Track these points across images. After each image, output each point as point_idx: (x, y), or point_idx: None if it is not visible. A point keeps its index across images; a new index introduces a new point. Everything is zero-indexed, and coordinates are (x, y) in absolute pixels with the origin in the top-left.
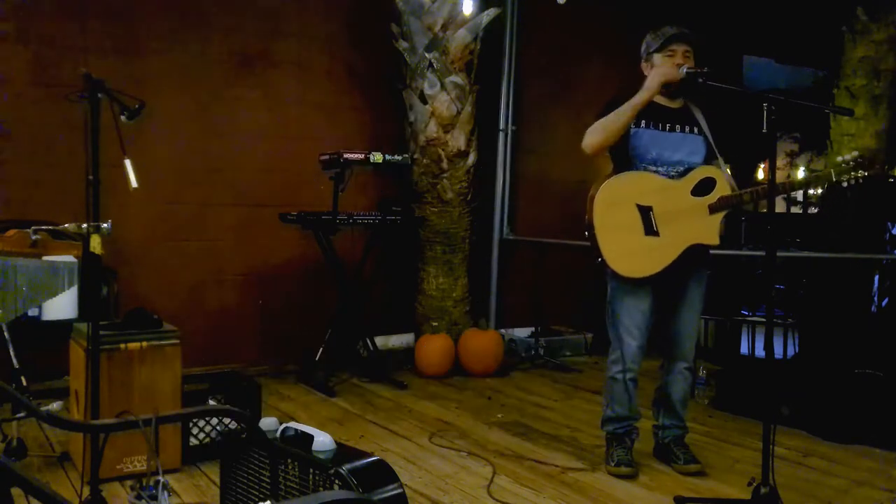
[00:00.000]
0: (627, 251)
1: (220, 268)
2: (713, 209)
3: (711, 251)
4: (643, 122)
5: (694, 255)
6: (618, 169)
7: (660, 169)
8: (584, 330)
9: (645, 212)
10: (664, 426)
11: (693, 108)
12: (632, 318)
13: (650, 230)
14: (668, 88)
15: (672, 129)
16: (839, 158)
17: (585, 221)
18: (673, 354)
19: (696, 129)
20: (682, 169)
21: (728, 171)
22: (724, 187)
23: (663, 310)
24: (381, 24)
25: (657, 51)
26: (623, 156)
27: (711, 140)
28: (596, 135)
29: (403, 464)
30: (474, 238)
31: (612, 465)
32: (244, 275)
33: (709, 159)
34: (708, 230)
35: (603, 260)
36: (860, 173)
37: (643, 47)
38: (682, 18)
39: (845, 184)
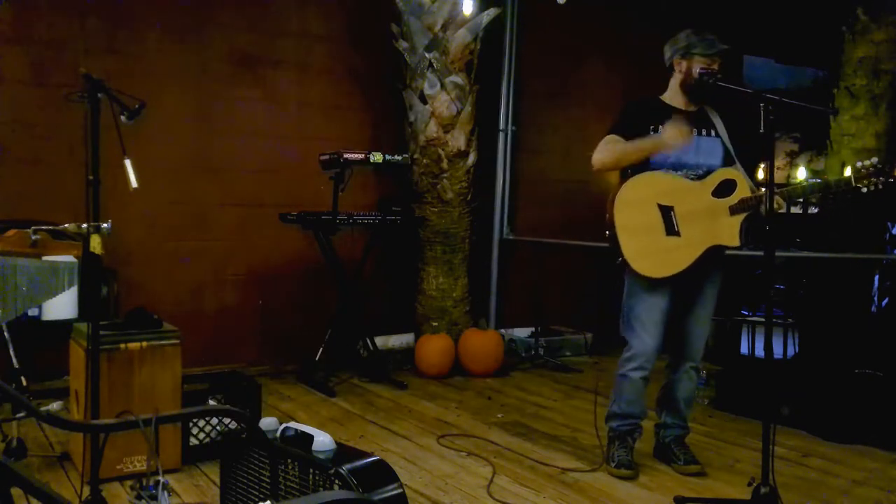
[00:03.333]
0: (648, 251)
1: (220, 268)
2: (734, 210)
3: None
4: (661, 127)
5: (712, 256)
6: (632, 173)
7: (679, 172)
8: (584, 330)
9: (666, 212)
10: (666, 425)
11: (710, 110)
12: (651, 316)
13: (671, 230)
14: (688, 94)
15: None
16: (858, 164)
17: (606, 221)
18: (682, 354)
19: (713, 132)
20: (701, 172)
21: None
22: (744, 189)
23: (677, 309)
24: (381, 24)
25: (702, 54)
26: (643, 162)
27: (729, 142)
28: (608, 158)
29: (403, 464)
30: (474, 238)
31: (613, 465)
32: (244, 275)
33: (727, 161)
34: (728, 231)
35: (623, 260)
36: (880, 179)
37: (682, 43)
38: (682, 18)
39: (864, 189)
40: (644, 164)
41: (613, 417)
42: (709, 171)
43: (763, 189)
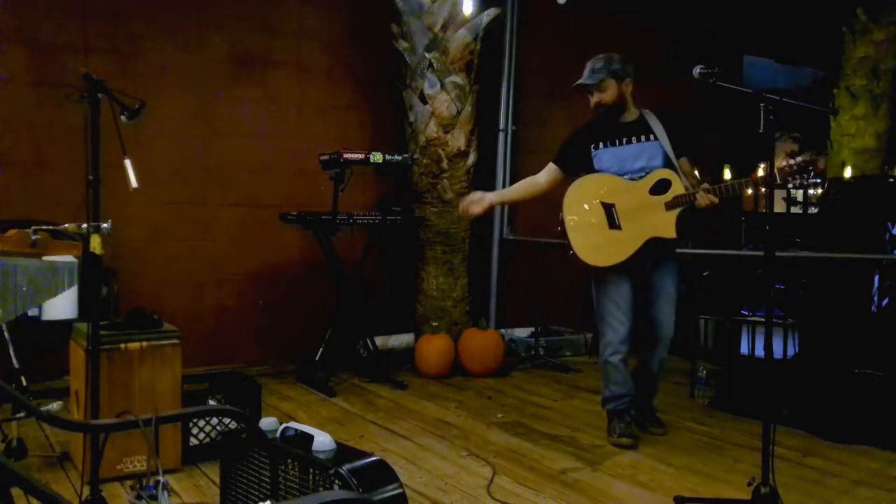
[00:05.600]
0: (594, 244)
1: (220, 268)
2: (669, 206)
3: (712, 252)
4: (601, 143)
5: (656, 247)
6: (582, 174)
7: (624, 177)
8: (584, 330)
9: (608, 208)
10: (638, 394)
11: (650, 117)
12: (617, 305)
13: (613, 224)
14: (607, 114)
15: (629, 142)
16: (784, 163)
17: (559, 219)
18: (653, 336)
19: (652, 137)
20: (643, 174)
21: (682, 171)
22: (678, 187)
23: (641, 301)
24: (381, 24)
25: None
26: (590, 166)
27: (668, 145)
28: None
29: (403, 464)
30: (474, 238)
31: (615, 436)
32: (244, 275)
33: (667, 162)
34: (665, 225)
35: (574, 253)
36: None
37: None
38: (682, 19)
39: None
40: (590, 170)
41: (608, 401)
42: (649, 172)
43: (703, 185)
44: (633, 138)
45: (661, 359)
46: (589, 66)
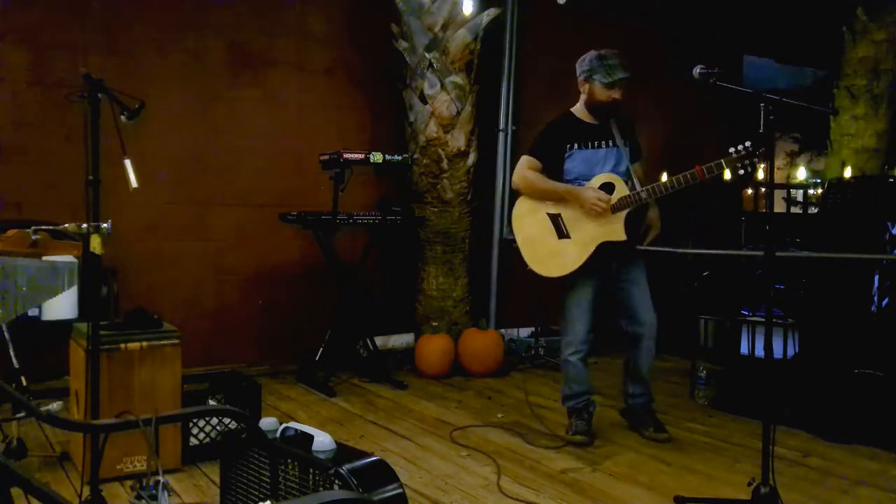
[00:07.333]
0: (546, 255)
1: (220, 268)
2: (615, 209)
3: (712, 252)
4: (576, 144)
5: (614, 251)
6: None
7: (586, 182)
8: None
9: (555, 218)
10: (633, 394)
11: (612, 123)
12: (579, 308)
13: (562, 234)
14: (597, 113)
15: (599, 146)
16: (731, 149)
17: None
18: (638, 333)
19: (616, 142)
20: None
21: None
22: (622, 190)
23: (617, 297)
24: (381, 24)
25: (600, 82)
26: (557, 174)
27: (628, 149)
28: (523, 186)
29: (403, 464)
30: (474, 238)
31: (571, 433)
32: (244, 275)
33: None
34: (613, 228)
35: (530, 268)
36: (750, 162)
37: (585, 66)
38: (682, 19)
39: (742, 171)
40: (558, 176)
41: (567, 398)
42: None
43: (646, 186)
44: (603, 143)
45: (648, 355)
46: (619, 60)
